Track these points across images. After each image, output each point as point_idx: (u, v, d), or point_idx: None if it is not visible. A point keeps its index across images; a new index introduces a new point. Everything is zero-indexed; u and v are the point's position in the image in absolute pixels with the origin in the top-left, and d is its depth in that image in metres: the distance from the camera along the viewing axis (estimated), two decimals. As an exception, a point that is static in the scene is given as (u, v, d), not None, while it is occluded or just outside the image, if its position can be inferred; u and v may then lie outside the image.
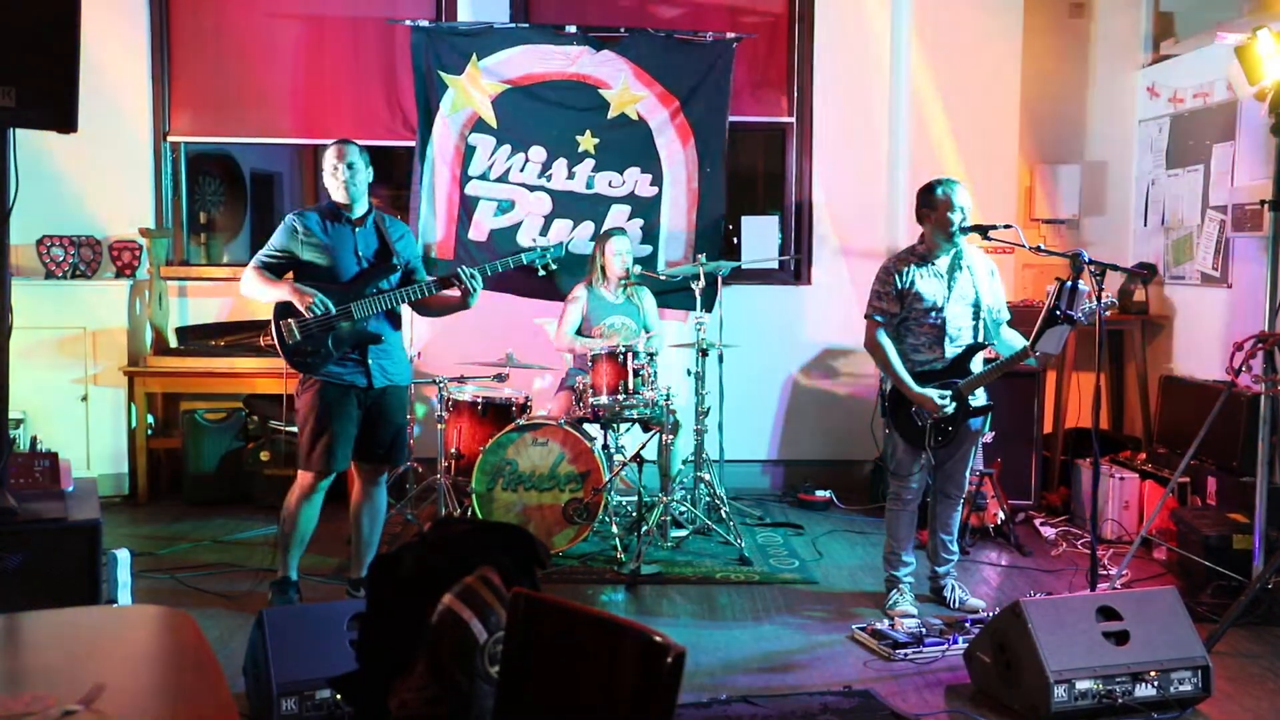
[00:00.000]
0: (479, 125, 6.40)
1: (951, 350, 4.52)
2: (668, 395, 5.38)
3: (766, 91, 6.83)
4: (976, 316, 4.57)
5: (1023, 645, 3.59)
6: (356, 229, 4.44)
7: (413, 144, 6.47)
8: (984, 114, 6.54)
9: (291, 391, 4.55)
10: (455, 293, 4.46)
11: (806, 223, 6.83)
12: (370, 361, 4.41)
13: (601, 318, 5.81)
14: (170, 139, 6.70)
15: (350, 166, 4.39)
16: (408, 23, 6.35)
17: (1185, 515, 5.02)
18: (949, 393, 4.45)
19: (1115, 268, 4.41)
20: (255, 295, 4.48)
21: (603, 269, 5.82)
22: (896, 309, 4.51)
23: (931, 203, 4.49)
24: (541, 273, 4.78)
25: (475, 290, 4.42)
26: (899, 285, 4.49)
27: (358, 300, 4.34)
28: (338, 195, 4.42)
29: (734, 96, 6.47)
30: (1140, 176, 6.68)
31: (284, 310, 4.35)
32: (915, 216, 4.59)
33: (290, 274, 4.43)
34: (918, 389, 4.45)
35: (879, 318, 4.53)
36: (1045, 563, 5.38)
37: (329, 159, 4.41)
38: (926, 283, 4.48)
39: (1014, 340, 4.61)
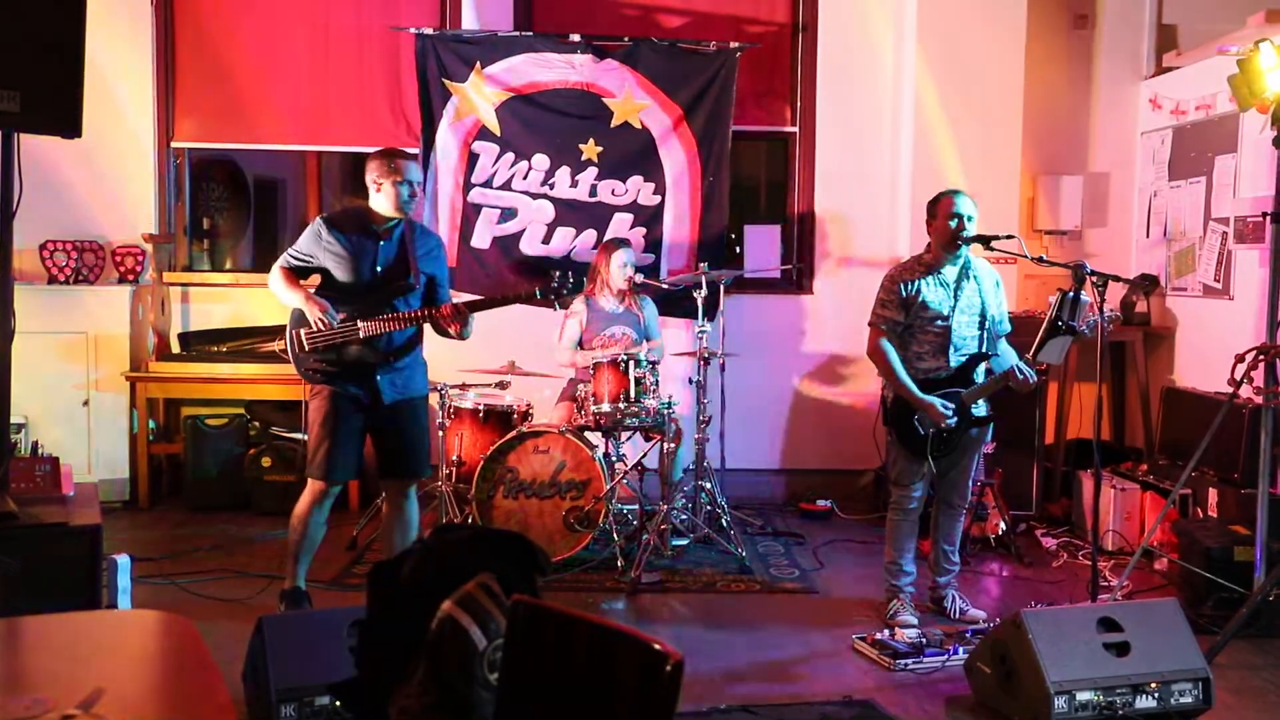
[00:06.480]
0: (482, 133, 6.42)
1: (955, 359, 4.52)
2: (669, 404, 5.37)
3: (770, 101, 6.84)
4: (982, 326, 4.58)
5: (1023, 656, 3.59)
6: (381, 241, 4.29)
7: (416, 151, 6.47)
8: (987, 125, 6.54)
9: (307, 398, 4.44)
10: (453, 329, 4.33)
11: (809, 232, 6.84)
12: (379, 378, 4.29)
13: (602, 328, 5.81)
14: (174, 145, 6.72)
15: (415, 184, 4.25)
16: (412, 30, 6.37)
17: (1186, 527, 5.02)
18: (953, 406, 4.46)
19: (1117, 279, 4.40)
20: (277, 295, 4.39)
21: (604, 279, 5.83)
22: (901, 317, 4.51)
23: (933, 211, 4.53)
24: (558, 307, 4.71)
25: (467, 328, 4.32)
26: (904, 294, 4.49)
27: (367, 320, 4.23)
28: (389, 209, 4.25)
29: (737, 105, 6.49)
30: (1143, 188, 6.69)
31: (300, 318, 4.30)
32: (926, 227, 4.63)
33: (317, 277, 4.36)
34: (921, 395, 4.45)
35: (883, 325, 4.54)
36: (1046, 574, 5.37)
37: (392, 170, 4.22)
38: (932, 292, 4.49)
39: (1009, 354, 4.62)
